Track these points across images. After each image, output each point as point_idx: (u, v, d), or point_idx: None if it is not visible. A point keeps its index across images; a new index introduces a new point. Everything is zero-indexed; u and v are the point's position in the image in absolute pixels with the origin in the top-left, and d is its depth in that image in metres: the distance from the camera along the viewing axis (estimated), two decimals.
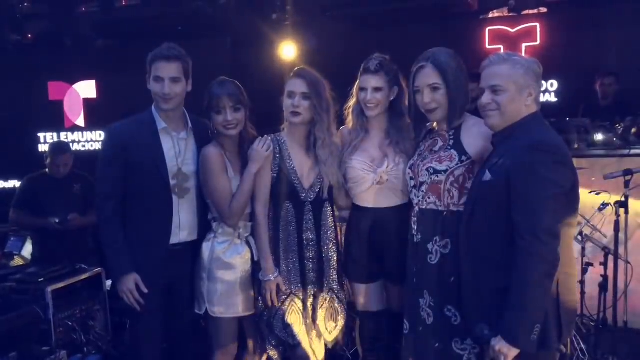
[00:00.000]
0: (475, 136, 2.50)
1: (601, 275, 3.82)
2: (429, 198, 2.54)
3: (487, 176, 2.21)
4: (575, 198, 2.18)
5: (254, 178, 2.71)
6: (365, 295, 2.87)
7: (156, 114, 2.80)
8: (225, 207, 2.72)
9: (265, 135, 2.80)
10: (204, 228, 2.86)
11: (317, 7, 5.84)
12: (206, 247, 2.81)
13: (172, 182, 2.77)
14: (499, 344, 2.08)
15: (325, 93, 2.73)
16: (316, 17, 5.91)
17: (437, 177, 2.50)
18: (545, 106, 5.64)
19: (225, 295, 2.77)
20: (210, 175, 2.72)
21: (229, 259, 2.78)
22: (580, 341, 3.66)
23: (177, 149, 2.81)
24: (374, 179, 2.71)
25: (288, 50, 5.95)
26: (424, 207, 2.56)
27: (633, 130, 4.45)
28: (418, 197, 2.58)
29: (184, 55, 2.76)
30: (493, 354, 2.12)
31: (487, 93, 2.24)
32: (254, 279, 2.80)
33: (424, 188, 2.55)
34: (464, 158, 2.49)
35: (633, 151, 4.24)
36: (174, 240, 2.80)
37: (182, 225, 2.81)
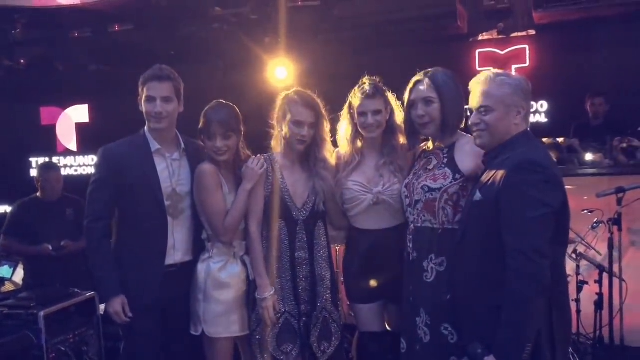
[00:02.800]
0: (468, 154, 2.52)
1: (596, 293, 3.83)
2: (424, 216, 2.55)
3: (478, 196, 2.22)
4: (566, 217, 2.19)
5: (247, 196, 2.72)
6: (365, 316, 2.86)
7: (149, 136, 2.81)
8: (219, 223, 2.72)
9: (259, 155, 2.82)
10: (199, 248, 2.85)
11: (309, 29, 5.90)
12: (201, 267, 2.80)
13: (166, 203, 2.77)
14: None
15: (322, 114, 2.78)
16: (308, 39, 5.97)
17: (432, 195, 2.51)
18: (536, 127, 5.72)
19: (222, 315, 2.76)
20: (205, 192, 2.73)
21: (225, 279, 2.77)
22: (577, 359, 3.65)
23: (170, 170, 2.81)
24: (371, 199, 2.72)
25: (280, 72, 6.00)
26: (419, 225, 2.57)
27: (622, 145, 4.51)
28: (413, 215, 2.59)
29: (175, 76, 2.79)
30: None
31: (475, 113, 2.27)
32: (249, 297, 2.79)
33: (419, 206, 2.56)
34: (457, 176, 2.51)
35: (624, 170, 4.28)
36: (169, 261, 2.79)
37: (177, 246, 2.80)
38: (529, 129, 2.31)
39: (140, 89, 2.77)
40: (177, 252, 2.81)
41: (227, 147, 2.74)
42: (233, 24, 5.87)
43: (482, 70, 2.45)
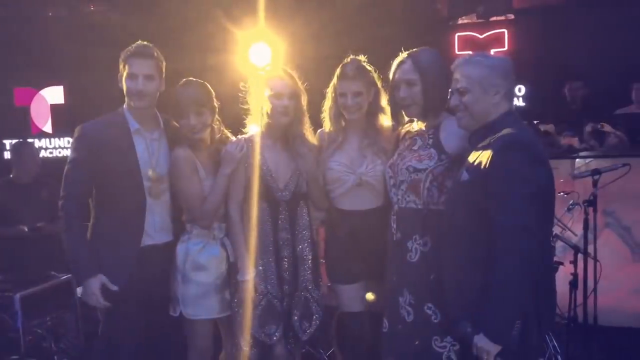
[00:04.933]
0: (453, 135, 2.53)
1: (571, 274, 3.89)
2: (408, 197, 2.56)
3: (465, 176, 2.24)
4: (552, 196, 2.22)
5: (227, 180, 2.70)
6: (347, 296, 2.87)
7: (128, 115, 2.77)
8: (197, 209, 2.71)
9: (239, 136, 2.80)
10: (179, 229, 2.83)
11: (290, 10, 5.84)
12: (180, 248, 2.78)
13: (146, 183, 2.73)
14: (481, 341, 2.10)
15: (303, 93, 2.78)
16: (289, 20, 5.91)
17: (417, 175, 2.52)
18: (521, 110, 5.77)
19: (201, 297, 2.75)
20: (180, 178, 2.72)
21: (204, 261, 2.76)
22: (553, 338, 3.72)
23: (150, 150, 2.78)
24: (354, 180, 2.73)
25: (260, 54, 5.94)
26: (403, 205, 2.58)
27: (596, 129, 4.58)
28: (397, 195, 2.60)
29: (158, 54, 2.75)
30: (475, 350, 2.14)
31: (454, 95, 2.29)
32: (230, 279, 2.79)
33: (403, 187, 2.57)
34: (443, 157, 2.52)
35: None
36: (148, 241, 2.76)
37: (157, 226, 2.78)
38: (513, 109, 2.33)
39: (121, 66, 2.72)
40: (156, 232, 2.78)
41: (201, 124, 2.71)
42: (211, 3, 5.78)
43: (461, 54, 2.46)
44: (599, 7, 5.71)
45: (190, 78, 2.81)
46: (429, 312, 2.50)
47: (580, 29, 5.78)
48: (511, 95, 2.33)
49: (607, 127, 4.69)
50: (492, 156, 2.13)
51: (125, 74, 2.70)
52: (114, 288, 2.65)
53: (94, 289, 2.64)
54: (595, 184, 3.79)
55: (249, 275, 2.70)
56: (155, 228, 2.77)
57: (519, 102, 6.22)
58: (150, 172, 2.74)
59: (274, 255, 2.77)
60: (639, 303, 4.16)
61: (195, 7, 5.89)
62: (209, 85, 2.81)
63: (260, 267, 2.75)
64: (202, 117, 2.72)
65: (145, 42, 2.75)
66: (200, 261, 2.75)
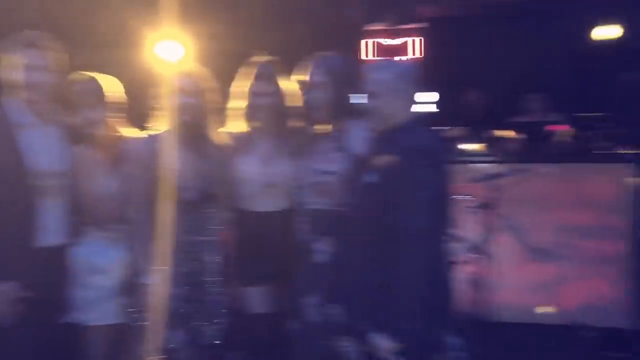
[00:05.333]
0: (360, 138, 2.57)
1: (471, 273, 4.07)
2: (316, 198, 2.58)
3: (370, 178, 2.29)
4: (450, 200, 2.31)
5: (129, 179, 2.61)
6: (254, 299, 2.84)
7: (17, 108, 2.59)
8: (96, 209, 2.60)
9: (143, 134, 2.72)
10: (75, 231, 2.69)
11: (198, 7, 5.73)
12: (77, 251, 2.65)
13: (38, 181, 2.57)
14: (381, 340, 2.15)
15: (211, 91, 2.72)
16: (201, 17, 5.80)
17: (325, 177, 2.55)
18: (426, 116, 5.96)
19: (98, 302, 2.64)
20: (78, 176, 2.60)
21: (103, 264, 2.65)
22: (454, 335, 3.86)
23: (42, 146, 2.62)
24: (263, 181, 2.71)
25: (168, 49, 5.79)
26: (311, 207, 2.60)
27: (490, 136, 4.83)
28: (305, 197, 2.61)
29: (53, 45, 2.61)
30: (377, 349, 2.18)
31: (363, 98, 2.34)
32: (130, 283, 2.69)
33: (311, 188, 2.59)
34: (350, 159, 2.56)
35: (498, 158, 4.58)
36: (42, 243, 2.59)
37: (51, 227, 2.62)
38: (418, 114, 2.41)
39: (8, 56, 2.55)
40: (51, 233, 2.63)
41: (95, 119, 2.63)
42: None
43: (373, 60, 2.53)
44: (504, 18, 6.02)
45: (81, 72, 2.72)
46: (335, 312, 2.52)
47: (489, 38, 6.06)
48: (416, 100, 2.41)
49: (508, 134, 4.95)
50: (396, 160, 2.19)
51: (14, 65, 2.54)
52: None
53: None
54: (494, 188, 4.00)
55: (152, 278, 2.62)
56: (49, 229, 2.61)
57: (430, 108, 6.43)
58: (41, 169, 2.58)
59: (179, 257, 2.69)
60: (534, 300, 4.41)
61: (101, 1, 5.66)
62: (108, 79, 2.72)
63: (165, 270, 2.67)
64: (96, 112, 2.63)
65: (38, 32, 2.61)
66: (98, 264, 2.64)
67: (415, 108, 2.41)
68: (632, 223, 4.26)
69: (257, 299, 2.84)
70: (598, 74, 5.73)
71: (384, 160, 2.25)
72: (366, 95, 2.34)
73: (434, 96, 6.33)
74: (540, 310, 4.38)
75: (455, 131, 5.09)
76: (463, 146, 4.91)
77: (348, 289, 2.39)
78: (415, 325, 2.14)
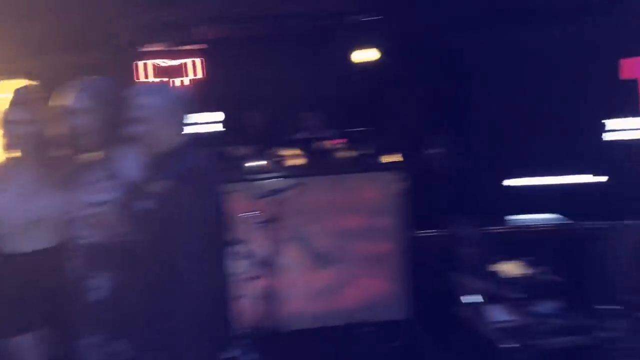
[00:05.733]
0: (132, 165, 2.50)
1: (263, 287, 4.21)
2: (89, 231, 2.44)
3: (145, 205, 2.24)
4: (226, 220, 2.36)
5: None
6: (24, 348, 2.57)
7: None
8: None
9: None
10: None
11: None
12: None
13: None
14: None
15: None
16: None
17: (97, 208, 2.43)
18: (211, 137, 6.00)
19: None
20: None
21: None
22: (249, 351, 3.94)
23: None
24: (24, 218, 2.49)
25: None
26: (84, 240, 2.45)
27: (271, 153, 5.08)
28: (77, 231, 2.46)
29: None
30: None
31: (132, 124, 2.30)
32: None
33: (83, 221, 2.44)
34: (123, 187, 2.47)
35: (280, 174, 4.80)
36: None
37: None
38: (192, 137, 2.43)
39: None
40: None
41: None
42: None
43: (152, 81, 2.49)
44: (282, 40, 6.34)
45: None
46: (119, 348, 2.41)
47: (267, 60, 6.31)
48: (188, 124, 2.43)
49: (287, 151, 5.22)
50: (170, 184, 2.19)
51: None
52: None
53: None
54: (278, 202, 4.19)
55: None
56: None
57: (212, 128, 6.46)
58: None
59: None
60: (322, 305, 4.69)
61: None
62: None
63: None
64: None
65: None
66: None
67: (199, 129, 2.43)
68: (399, 224, 4.77)
69: (29, 348, 2.58)
70: (365, 92, 6.32)
71: (157, 185, 2.23)
72: (133, 120, 2.29)
73: (219, 116, 6.41)
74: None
75: (239, 150, 5.22)
76: (248, 164, 5.05)
77: (131, 323, 2.31)
78: (202, 350, 2.15)
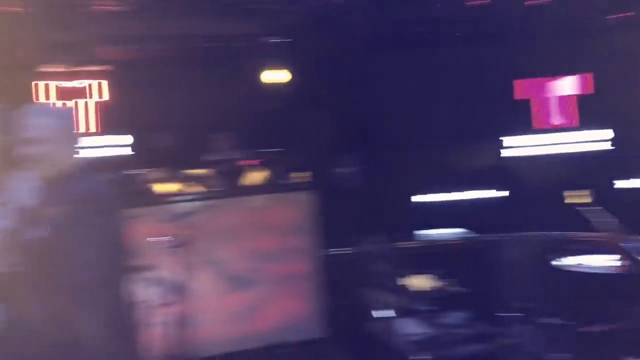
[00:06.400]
0: (24, 189, 2.37)
1: (174, 314, 4.09)
2: None
3: (42, 232, 2.14)
4: (127, 246, 2.29)
5: None
6: None
7: None
8: None
9: None
10: None
11: None
12: None
13: None
14: None
15: None
16: None
17: None
18: (121, 160, 5.80)
19: None
20: None
21: None
22: None
23: None
24: None
25: None
26: None
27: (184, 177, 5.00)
28: None
29: None
30: None
31: (27, 145, 2.20)
32: None
33: None
34: (15, 213, 2.34)
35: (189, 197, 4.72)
36: None
37: None
38: (88, 160, 2.36)
39: None
40: None
41: None
42: None
43: (53, 103, 2.40)
44: (190, 61, 6.27)
45: None
46: None
47: (173, 81, 6.21)
48: (109, 143, 2.37)
49: (197, 173, 5.14)
50: (63, 210, 2.11)
51: None
52: None
53: None
54: (190, 226, 4.11)
55: None
56: None
57: (123, 151, 6.27)
58: None
59: None
60: (237, 328, 4.62)
61: None
62: None
63: None
64: None
65: None
66: None
67: (105, 152, 2.36)
68: (312, 243, 4.81)
69: None
70: (274, 113, 6.37)
71: (52, 211, 2.14)
72: (26, 141, 2.19)
73: (126, 139, 6.23)
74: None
75: (148, 173, 5.09)
76: (157, 187, 4.93)
77: (32, 356, 2.18)
78: None
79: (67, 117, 2.27)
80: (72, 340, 2.04)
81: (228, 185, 5.08)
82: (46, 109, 2.23)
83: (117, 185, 4.34)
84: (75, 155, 2.25)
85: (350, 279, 4.49)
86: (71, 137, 2.25)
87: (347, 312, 4.50)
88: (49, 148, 2.18)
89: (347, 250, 4.85)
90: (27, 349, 2.23)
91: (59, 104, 5.80)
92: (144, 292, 3.12)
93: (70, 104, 5.94)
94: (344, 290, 4.58)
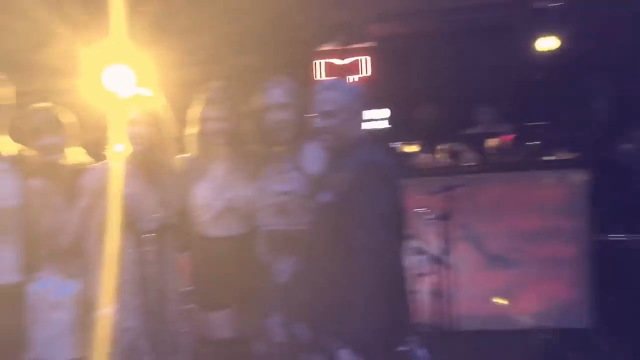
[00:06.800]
0: (316, 158, 2.61)
1: (432, 285, 4.15)
2: (274, 219, 2.60)
3: (326, 197, 2.32)
4: (404, 214, 2.36)
5: (83, 212, 2.57)
6: (215, 324, 2.81)
7: None
8: (51, 244, 2.55)
9: (95, 164, 2.69)
10: (30, 268, 2.63)
11: (151, 35, 5.71)
12: (32, 287, 2.59)
13: None
14: (346, 356, 2.16)
15: (166, 118, 2.71)
16: (150, 44, 5.77)
17: (282, 198, 2.57)
18: (378, 133, 6.06)
19: (55, 338, 2.58)
20: (32, 211, 2.55)
21: (59, 299, 2.60)
22: (419, 347, 3.91)
23: None
24: (221, 206, 2.71)
25: (118, 76, 5.72)
26: (270, 228, 2.61)
27: (443, 149, 4.96)
28: (264, 218, 2.62)
29: None
30: None
31: (321, 118, 2.38)
32: (87, 318, 2.63)
33: (269, 210, 2.60)
34: (306, 179, 2.59)
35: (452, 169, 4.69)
36: None
37: (3, 266, 2.55)
38: (372, 131, 2.48)
39: None
40: (3, 273, 2.55)
41: (54, 146, 2.61)
42: (62, 23, 5.47)
43: (322, 80, 2.58)
44: (449, 37, 6.21)
45: (41, 102, 2.69)
46: (298, 332, 2.51)
47: (434, 56, 6.22)
48: (369, 118, 2.49)
49: (460, 147, 5.08)
50: (350, 177, 2.24)
51: None
52: None
53: None
54: (450, 199, 4.10)
55: (108, 310, 2.56)
56: (2, 267, 2.55)
57: (383, 124, 6.52)
58: None
59: (137, 288, 2.65)
60: (493, 307, 4.51)
61: (44, 27, 5.54)
62: (62, 108, 2.69)
63: (123, 302, 2.62)
64: (55, 139, 2.61)
65: None
66: (54, 299, 2.59)
67: (368, 125, 2.47)
68: (583, 225, 4.42)
69: (220, 324, 2.81)
70: (542, 84, 5.94)
71: (338, 178, 2.29)
72: (320, 114, 2.38)
73: (386, 113, 6.44)
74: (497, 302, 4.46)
75: (409, 146, 5.20)
76: (418, 160, 5.01)
77: (311, 307, 2.40)
78: (377, 339, 2.17)
79: (356, 92, 2.40)
80: (347, 300, 2.19)
81: (490, 159, 4.92)
82: (339, 85, 2.40)
83: (395, 156, 4.55)
84: (361, 127, 2.39)
85: (631, 269, 4.01)
86: (359, 111, 2.39)
87: (621, 303, 4.04)
88: (340, 120, 2.35)
89: (628, 237, 4.32)
90: (305, 301, 2.46)
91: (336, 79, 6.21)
92: (408, 260, 3.21)
93: None
94: (620, 280, 4.11)
